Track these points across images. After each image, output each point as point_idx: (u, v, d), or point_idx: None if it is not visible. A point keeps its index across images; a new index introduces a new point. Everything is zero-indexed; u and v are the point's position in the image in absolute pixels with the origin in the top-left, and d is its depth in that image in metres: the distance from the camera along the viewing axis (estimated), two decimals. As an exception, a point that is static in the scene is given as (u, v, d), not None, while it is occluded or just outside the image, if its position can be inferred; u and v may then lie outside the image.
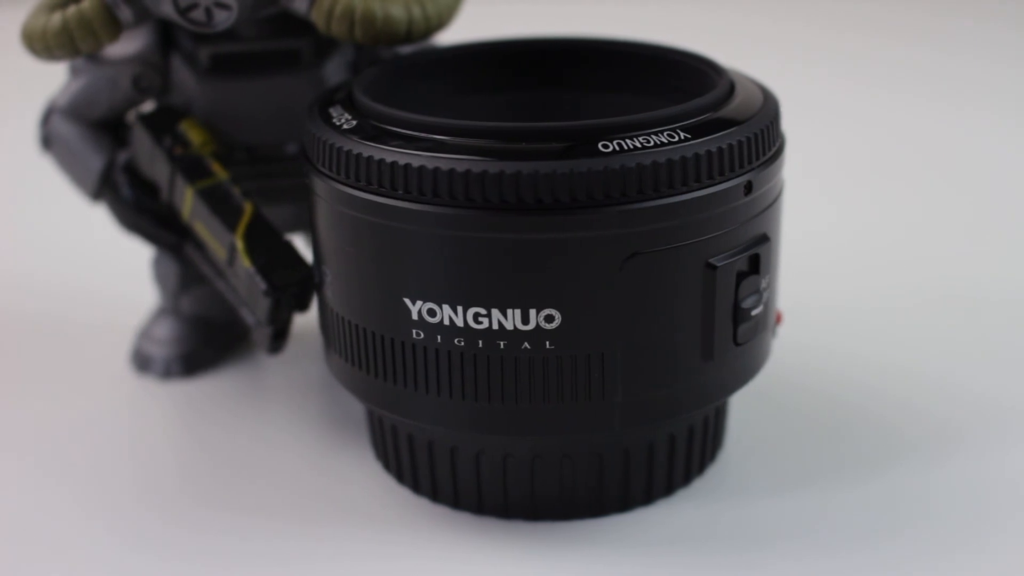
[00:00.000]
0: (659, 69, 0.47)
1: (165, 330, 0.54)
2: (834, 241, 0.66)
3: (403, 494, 0.45)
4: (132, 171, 0.51)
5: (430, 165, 0.38)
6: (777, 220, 0.43)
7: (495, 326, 0.39)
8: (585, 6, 0.96)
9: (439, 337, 0.40)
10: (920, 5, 1.15)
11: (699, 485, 0.45)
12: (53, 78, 0.53)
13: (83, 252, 0.66)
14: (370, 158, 0.39)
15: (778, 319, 0.45)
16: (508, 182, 0.38)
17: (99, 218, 0.59)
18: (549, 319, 0.39)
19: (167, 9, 0.45)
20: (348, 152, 0.40)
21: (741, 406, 0.49)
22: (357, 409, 0.50)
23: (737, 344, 0.41)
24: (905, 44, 1.06)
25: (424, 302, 0.40)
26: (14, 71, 0.75)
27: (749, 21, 1.11)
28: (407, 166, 0.39)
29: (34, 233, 0.69)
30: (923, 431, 0.48)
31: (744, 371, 0.43)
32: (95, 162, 0.51)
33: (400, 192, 0.39)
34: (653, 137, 0.39)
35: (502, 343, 0.39)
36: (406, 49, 0.50)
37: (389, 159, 0.39)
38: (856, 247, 0.66)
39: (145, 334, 0.54)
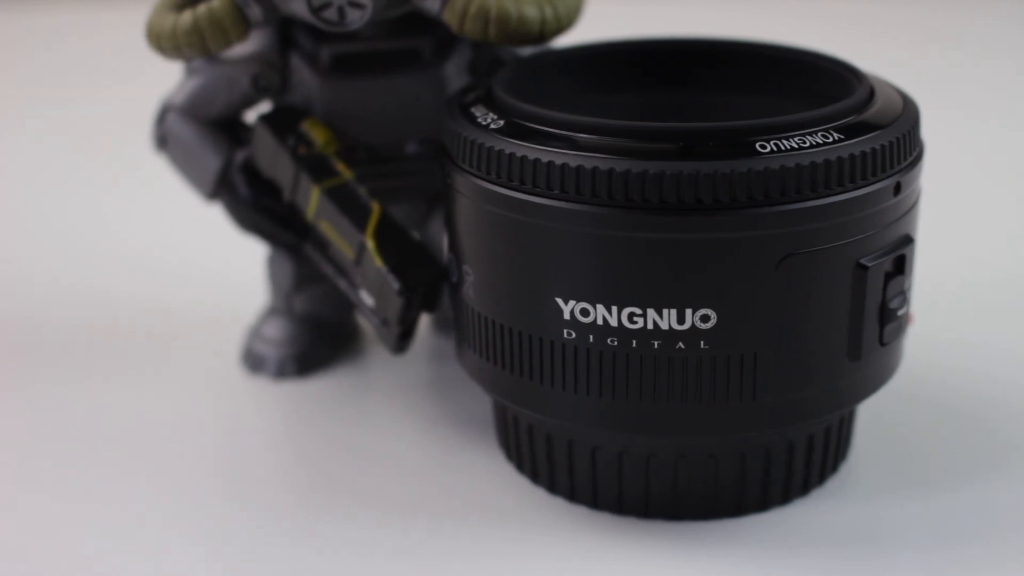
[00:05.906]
0: (788, 70, 0.47)
1: (277, 330, 0.54)
2: (949, 235, 0.65)
3: (537, 493, 0.45)
4: (249, 170, 0.51)
5: (588, 165, 0.38)
6: (917, 222, 0.43)
7: (650, 326, 0.39)
8: (696, 7, 0.96)
9: (591, 337, 0.40)
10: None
11: (833, 485, 0.45)
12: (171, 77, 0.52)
13: (186, 257, 0.66)
14: (524, 157, 0.39)
15: (910, 320, 0.45)
16: (668, 182, 0.38)
17: (203, 220, 0.59)
18: (705, 319, 0.39)
19: (299, 8, 0.45)
20: (500, 151, 0.40)
21: (867, 401, 0.49)
22: (477, 408, 0.50)
23: (882, 344, 0.41)
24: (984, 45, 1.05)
25: (577, 302, 0.40)
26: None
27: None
28: (564, 166, 0.39)
29: (137, 238, 0.69)
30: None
31: (885, 371, 0.43)
32: (213, 162, 0.51)
33: (556, 192, 0.39)
34: (808, 138, 0.39)
35: (656, 343, 0.39)
36: (526, 50, 0.50)
37: (545, 159, 0.39)
38: (972, 239, 0.66)
39: (256, 334, 0.54)
